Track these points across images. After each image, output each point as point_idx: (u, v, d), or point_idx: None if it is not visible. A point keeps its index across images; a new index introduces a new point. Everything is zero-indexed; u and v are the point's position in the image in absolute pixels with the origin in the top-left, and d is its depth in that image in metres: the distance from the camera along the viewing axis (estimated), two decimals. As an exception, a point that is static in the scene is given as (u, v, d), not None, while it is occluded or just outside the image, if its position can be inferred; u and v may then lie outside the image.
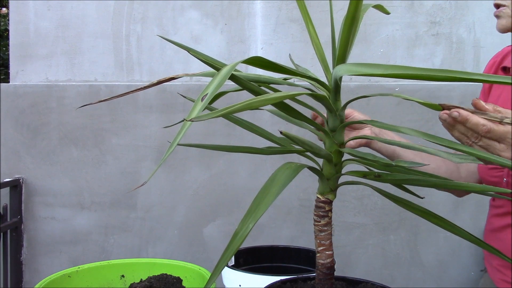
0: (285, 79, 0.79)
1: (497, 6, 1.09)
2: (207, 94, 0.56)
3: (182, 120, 0.57)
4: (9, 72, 2.45)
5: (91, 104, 0.65)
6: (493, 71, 1.26)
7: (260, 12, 2.22)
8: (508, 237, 1.13)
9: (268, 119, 2.10)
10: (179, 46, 0.72)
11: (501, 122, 0.62)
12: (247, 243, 1.23)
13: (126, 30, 2.27)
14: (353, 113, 1.19)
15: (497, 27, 1.12)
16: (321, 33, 0.89)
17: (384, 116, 2.12)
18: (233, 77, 0.67)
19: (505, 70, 1.23)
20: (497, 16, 1.10)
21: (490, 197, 1.23)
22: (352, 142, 1.21)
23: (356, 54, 2.16)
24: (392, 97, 2.06)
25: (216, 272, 0.65)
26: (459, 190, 1.29)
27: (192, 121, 0.53)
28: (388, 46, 2.19)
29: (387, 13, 0.94)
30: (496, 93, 1.23)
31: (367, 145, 1.25)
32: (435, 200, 2.06)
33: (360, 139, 1.21)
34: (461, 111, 0.71)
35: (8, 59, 2.50)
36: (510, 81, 0.58)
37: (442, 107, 0.69)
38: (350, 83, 2.14)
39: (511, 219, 1.13)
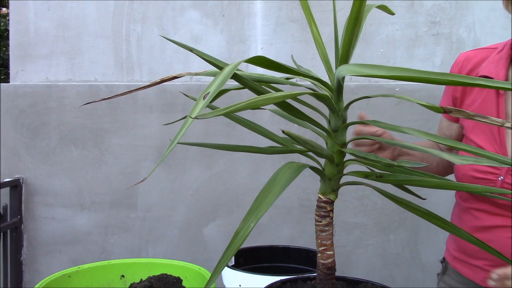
0: (287, 78, 0.79)
1: None
2: (209, 92, 0.55)
3: (185, 117, 0.57)
4: (9, 72, 2.44)
5: (94, 102, 0.65)
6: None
7: (260, 12, 2.22)
8: (499, 237, 1.13)
9: (268, 119, 2.10)
10: (182, 46, 0.72)
11: (502, 125, 0.62)
12: (247, 243, 1.22)
13: (126, 30, 2.27)
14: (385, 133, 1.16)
15: None
16: (320, 33, 0.89)
17: (384, 116, 2.11)
18: (235, 76, 0.67)
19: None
20: None
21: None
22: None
23: (356, 54, 2.15)
24: (392, 97, 2.06)
25: (217, 271, 0.65)
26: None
27: (197, 118, 0.53)
28: (388, 46, 2.19)
29: (392, 13, 0.93)
30: (468, 101, 1.24)
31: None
32: (435, 200, 2.06)
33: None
34: None
35: (8, 59, 2.50)
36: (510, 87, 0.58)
37: (444, 110, 0.68)
38: (350, 83, 2.14)
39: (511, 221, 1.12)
